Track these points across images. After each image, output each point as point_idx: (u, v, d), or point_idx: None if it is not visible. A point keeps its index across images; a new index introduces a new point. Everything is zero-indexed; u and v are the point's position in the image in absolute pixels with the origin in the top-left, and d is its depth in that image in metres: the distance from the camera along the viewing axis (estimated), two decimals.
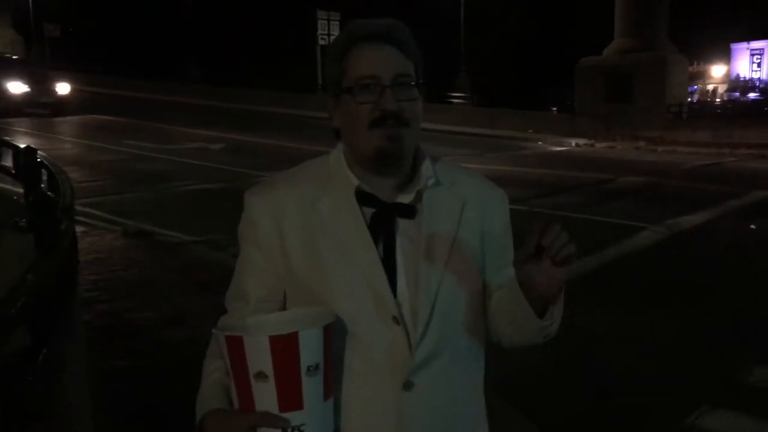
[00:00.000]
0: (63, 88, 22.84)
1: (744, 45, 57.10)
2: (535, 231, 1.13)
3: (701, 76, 56.34)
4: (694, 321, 5.34)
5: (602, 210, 9.68)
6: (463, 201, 1.34)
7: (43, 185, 4.70)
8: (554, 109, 28.07)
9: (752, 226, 8.89)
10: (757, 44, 56.07)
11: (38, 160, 4.69)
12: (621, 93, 21.66)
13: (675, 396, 4.10)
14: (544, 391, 4.16)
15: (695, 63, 49.66)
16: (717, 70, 59.63)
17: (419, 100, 1.29)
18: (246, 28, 39.20)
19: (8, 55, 23.09)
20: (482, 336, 1.36)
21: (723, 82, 57.25)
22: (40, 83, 22.04)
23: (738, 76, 56.58)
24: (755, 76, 55.62)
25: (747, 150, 17.45)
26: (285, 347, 1.10)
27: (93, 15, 42.77)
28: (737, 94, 45.46)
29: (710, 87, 56.05)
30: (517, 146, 19.09)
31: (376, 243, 1.26)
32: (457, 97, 27.04)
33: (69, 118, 21.15)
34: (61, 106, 21.91)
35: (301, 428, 1.12)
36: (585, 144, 19.80)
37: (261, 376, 1.10)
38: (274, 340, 1.09)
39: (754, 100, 36.07)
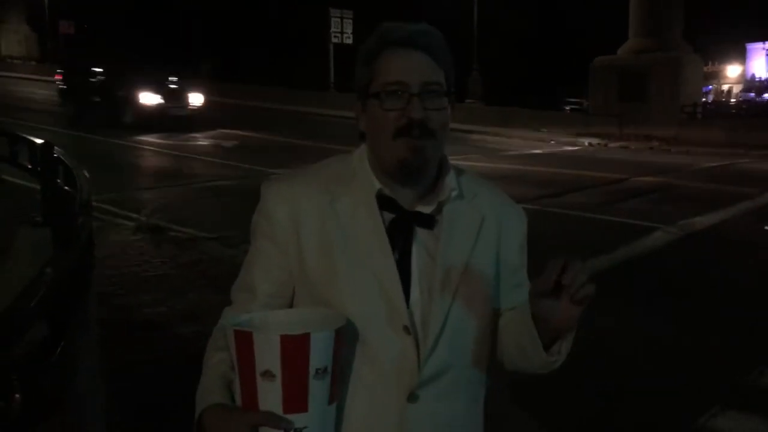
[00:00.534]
0: (196, 99, 19.57)
1: (759, 45, 56.65)
2: (555, 266, 1.10)
3: (716, 76, 55.95)
4: (706, 322, 5.32)
5: (614, 210, 9.65)
6: (483, 216, 1.31)
7: (59, 180, 4.74)
8: (567, 108, 27.97)
9: (766, 227, 8.84)
10: None
11: (55, 155, 4.73)
12: (635, 93, 21.57)
13: (685, 397, 4.10)
14: (552, 392, 4.17)
15: (710, 63, 49.32)
16: (732, 70, 59.21)
17: (448, 110, 1.26)
18: (258, 25, 39.26)
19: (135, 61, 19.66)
20: (488, 356, 1.34)
21: (738, 83, 56.83)
22: (175, 93, 18.99)
23: (753, 76, 56.14)
24: None
25: (761, 151, 17.35)
26: (295, 348, 1.07)
27: (106, 11, 42.97)
28: (752, 94, 45.11)
29: (725, 87, 55.65)
30: (530, 145, 19.05)
31: (392, 249, 1.23)
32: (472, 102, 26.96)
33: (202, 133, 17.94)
34: (194, 118, 18.85)
35: (304, 431, 1.09)
36: (598, 144, 19.73)
37: (268, 374, 1.07)
38: (285, 340, 1.06)
39: None
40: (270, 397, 1.08)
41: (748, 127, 20.21)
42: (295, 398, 1.08)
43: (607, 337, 4.99)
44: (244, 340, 1.08)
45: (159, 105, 17.99)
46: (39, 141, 6.68)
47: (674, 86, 21.35)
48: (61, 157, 5.29)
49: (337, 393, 1.16)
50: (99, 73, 19.49)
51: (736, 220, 9.19)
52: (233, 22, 39.33)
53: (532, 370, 1.29)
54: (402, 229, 1.25)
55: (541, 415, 3.77)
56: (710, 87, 48.47)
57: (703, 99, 28.40)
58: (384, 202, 1.26)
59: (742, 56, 58.40)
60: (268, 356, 1.06)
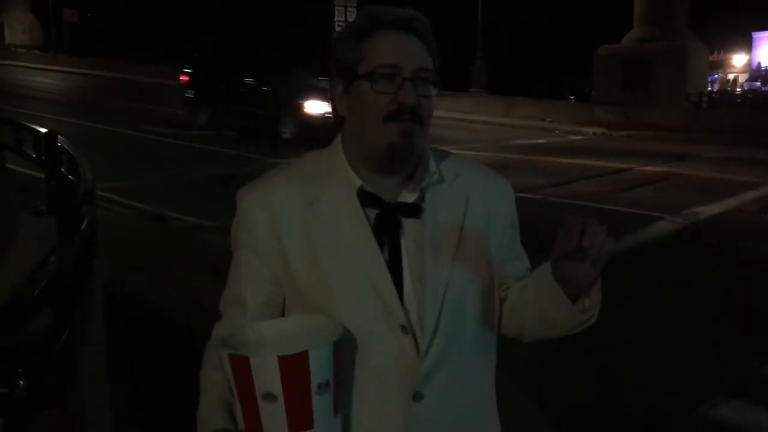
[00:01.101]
0: None
1: (766, 34, 56.27)
2: (575, 229, 1.08)
3: (722, 65, 55.69)
4: (708, 313, 5.32)
5: (618, 199, 9.63)
6: (467, 195, 1.27)
7: (63, 169, 4.76)
8: (572, 97, 27.90)
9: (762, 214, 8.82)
10: None
11: (59, 144, 4.75)
12: (640, 82, 21.49)
13: (688, 388, 4.10)
14: (553, 383, 4.18)
15: (716, 52, 49.06)
16: (738, 59, 58.90)
17: (433, 99, 1.22)
18: (261, 13, 39.16)
19: (298, 66, 15.33)
20: (493, 332, 1.30)
21: (744, 72, 56.55)
22: None
23: (759, 65, 55.82)
24: None
25: (767, 140, 17.27)
26: (295, 367, 1.03)
27: (110, 0, 42.91)
28: (758, 83, 44.89)
29: (731, 76, 55.39)
30: (534, 135, 19.00)
31: (380, 246, 1.20)
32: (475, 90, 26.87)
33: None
34: None
35: None
36: (602, 133, 19.67)
37: (269, 396, 1.04)
38: (284, 361, 1.02)
39: None
40: (274, 419, 1.05)
41: (754, 116, 20.12)
42: (300, 417, 1.05)
43: (610, 327, 4.98)
44: (241, 365, 1.04)
45: (324, 115, 13.80)
46: (43, 130, 6.70)
47: (679, 75, 21.26)
48: (65, 146, 5.31)
49: (341, 403, 1.13)
50: (241, 76, 15.68)
51: (741, 210, 9.17)
52: (235, 9, 39.22)
53: (561, 335, 1.27)
54: (388, 224, 1.21)
55: (543, 406, 3.78)
56: (716, 76, 48.23)
57: (709, 88, 28.26)
58: (365, 198, 1.22)
59: (748, 45, 58.04)
60: (268, 378, 1.03)
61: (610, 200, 9.54)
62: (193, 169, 11.08)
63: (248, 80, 15.56)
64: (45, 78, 29.09)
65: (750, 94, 31.79)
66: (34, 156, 7.31)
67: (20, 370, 1.55)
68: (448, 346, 1.21)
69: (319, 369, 1.05)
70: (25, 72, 31.28)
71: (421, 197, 1.24)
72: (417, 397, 1.20)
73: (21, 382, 1.48)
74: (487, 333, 1.28)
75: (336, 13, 27.18)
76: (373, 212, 1.21)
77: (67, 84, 27.70)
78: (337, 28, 26.79)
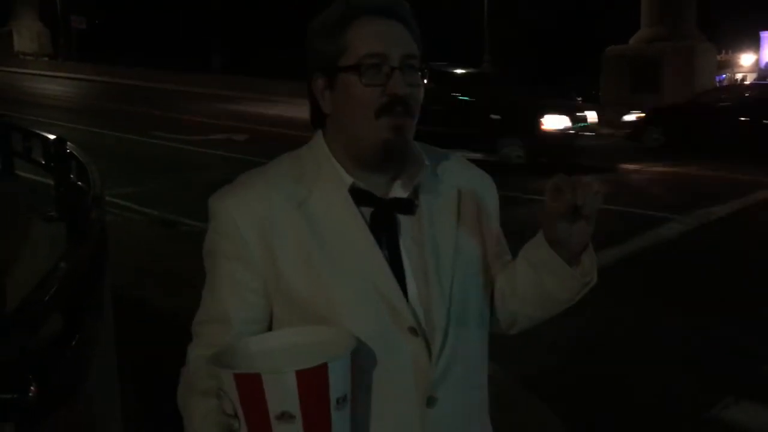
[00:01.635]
0: (591, 116, 13.57)
1: None
2: (565, 187, 1.04)
3: (730, 65, 55.40)
4: (718, 315, 5.29)
5: (628, 200, 9.60)
6: (458, 189, 1.22)
7: (72, 175, 4.79)
8: (579, 98, 27.81)
9: None
10: None
11: (68, 150, 4.78)
12: (648, 82, 21.40)
13: (699, 388, 4.08)
14: (563, 382, 4.16)
15: (724, 51, 48.82)
16: (746, 59, 58.59)
17: (422, 88, 1.15)
18: (266, 16, 39.27)
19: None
20: (487, 327, 1.26)
21: (752, 71, 56.24)
22: (575, 109, 13.01)
23: (767, 64, 55.53)
24: None
25: None
26: (314, 382, 0.94)
27: (117, 6, 43.14)
28: (767, 83, 44.64)
29: (739, 76, 55.11)
30: None
31: (379, 247, 1.12)
32: None
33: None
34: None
35: None
36: (610, 134, 19.59)
37: (285, 416, 0.94)
38: (302, 375, 0.93)
39: None
40: None
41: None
42: None
43: (619, 328, 4.97)
44: (250, 384, 0.94)
45: (566, 131, 11.78)
46: (52, 137, 6.74)
47: (687, 75, 21.15)
48: (74, 152, 5.33)
49: (353, 417, 1.05)
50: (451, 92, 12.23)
51: (753, 210, 9.12)
52: (242, 13, 39.36)
53: (561, 307, 1.20)
54: (384, 223, 1.14)
55: (552, 405, 3.77)
56: (724, 76, 48.02)
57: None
58: (358, 196, 1.14)
59: (756, 44, 57.75)
60: (284, 396, 0.94)
61: (618, 201, 9.50)
62: (202, 175, 11.11)
63: (461, 97, 12.31)
64: (53, 85, 29.27)
65: None
66: (43, 162, 7.36)
67: (31, 375, 1.56)
68: (457, 346, 1.16)
69: (338, 382, 0.97)
70: (33, 79, 31.49)
71: (414, 192, 1.17)
72: (431, 401, 1.13)
73: (32, 387, 1.49)
74: (485, 328, 1.25)
75: None
76: (366, 211, 1.14)
77: (75, 91, 27.86)
78: None
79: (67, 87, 29.01)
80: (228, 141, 15.38)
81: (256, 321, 1.13)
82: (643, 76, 21.52)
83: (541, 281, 1.16)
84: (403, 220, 1.16)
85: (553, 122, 11.60)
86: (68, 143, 5.19)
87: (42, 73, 34.51)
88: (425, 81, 1.16)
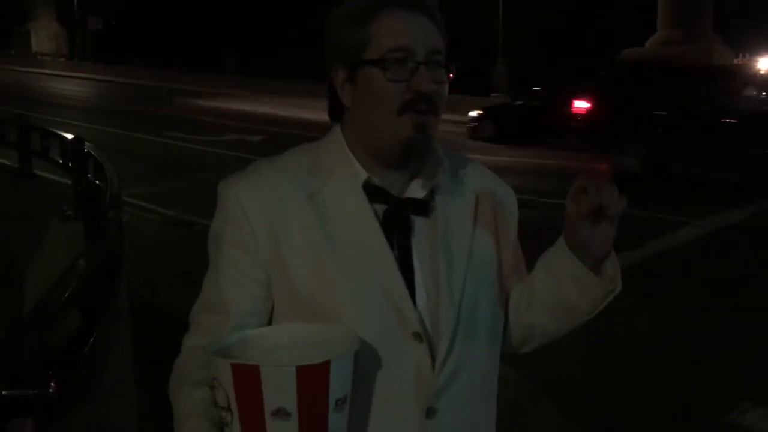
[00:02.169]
0: None
1: None
2: (590, 187, 1.01)
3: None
4: (734, 320, 5.25)
5: (643, 203, 9.53)
6: (476, 194, 1.18)
7: (89, 175, 4.83)
8: None
9: None
10: None
11: (85, 150, 4.82)
12: None
13: (715, 394, 4.05)
14: (577, 388, 4.15)
15: (741, 55, 48.32)
16: (764, 63, 58.07)
17: (447, 85, 1.11)
18: (279, 17, 39.40)
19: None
20: (499, 340, 1.20)
21: None
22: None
23: None
24: None
25: None
26: (314, 379, 0.90)
27: (133, 7, 43.46)
28: None
29: None
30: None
31: (390, 246, 1.08)
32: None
33: None
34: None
35: None
36: None
37: (281, 413, 0.90)
38: (303, 372, 0.89)
39: None
40: None
41: None
42: None
43: (634, 335, 4.94)
44: (248, 376, 0.90)
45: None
46: (70, 136, 6.81)
47: None
48: (92, 152, 5.39)
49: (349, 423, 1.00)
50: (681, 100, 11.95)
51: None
52: (257, 14, 39.51)
53: (582, 319, 1.14)
54: (397, 221, 1.10)
55: (565, 409, 3.76)
56: None
57: None
58: (372, 192, 1.10)
59: None
60: (282, 392, 0.90)
61: (632, 204, 9.43)
62: (218, 175, 11.09)
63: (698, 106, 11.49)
64: (70, 85, 29.51)
65: None
66: (61, 162, 7.43)
67: (51, 372, 1.58)
68: (463, 357, 1.10)
69: (339, 382, 0.93)
70: (51, 79, 31.78)
71: (430, 194, 1.13)
72: (430, 413, 1.08)
73: (52, 383, 1.50)
74: (496, 341, 1.19)
75: None
76: (380, 208, 1.10)
77: (92, 91, 28.08)
78: None
79: (84, 87, 29.23)
80: (242, 142, 15.44)
81: (257, 313, 1.09)
82: None
83: (562, 289, 1.11)
84: (417, 221, 1.12)
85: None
86: (86, 143, 5.24)
87: (59, 73, 34.81)
88: (450, 76, 1.11)
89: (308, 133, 17.17)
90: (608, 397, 4.02)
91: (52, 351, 1.75)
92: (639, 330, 5.00)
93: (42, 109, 18.42)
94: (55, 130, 8.40)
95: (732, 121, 11.37)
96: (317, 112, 23.01)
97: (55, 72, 35.17)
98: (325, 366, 0.91)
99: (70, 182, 6.99)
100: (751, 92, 12.31)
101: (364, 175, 1.09)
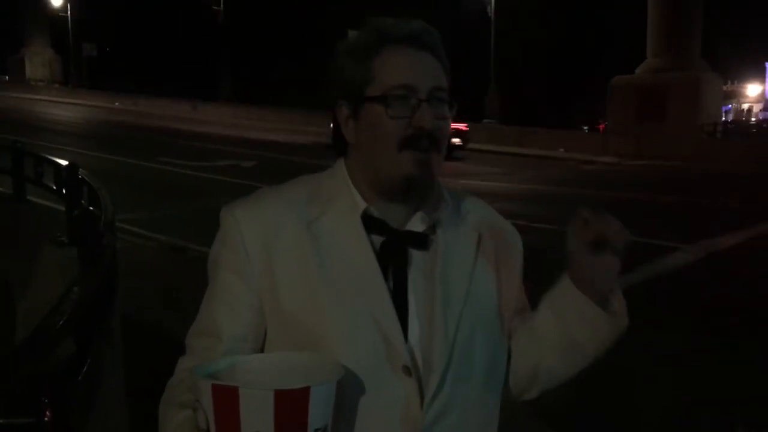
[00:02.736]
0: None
1: None
2: (592, 219, 1.00)
3: (736, 95, 55.60)
4: (728, 343, 5.27)
5: (633, 229, 9.51)
6: (479, 233, 1.16)
7: (83, 201, 4.84)
8: (585, 128, 27.95)
9: None
10: None
11: (79, 176, 4.84)
12: (654, 112, 21.52)
13: (706, 417, 4.06)
14: (570, 412, 4.14)
15: (729, 82, 49.02)
16: (752, 89, 58.80)
17: (449, 120, 1.11)
18: (277, 45, 39.72)
19: None
20: (499, 384, 1.17)
21: (758, 101, 56.41)
22: None
23: None
24: None
25: None
26: (292, 405, 0.88)
27: (128, 35, 43.74)
28: None
29: (745, 106, 55.27)
30: (547, 165, 19.02)
31: (384, 277, 1.07)
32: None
33: None
34: None
35: None
36: (616, 163, 19.65)
37: None
38: (281, 396, 0.88)
39: None
40: None
41: None
42: None
43: (626, 358, 4.95)
44: (227, 397, 0.89)
45: None
46: (64, 162, 6.82)
47: (693, 105, 21.27)
48: (86, 178, 5.40)
49: None
50: None
51: (759, 240, 9.10)
52: (252, 43, 39.81)
53: (590, 359, 1.13)
54: (394, 254, 1.09)
55: (560, 426, 3.75)
56: (730, 106, 48.17)
57: (723, 118, 28.25)
58: (370, 223, 1.09)
59: (762, 75, 58.00)
60: (259, 416, 0.88)
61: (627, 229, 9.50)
62: (211, 200, 11.17)
63: None
64: (64, 111, 29.58)
65: (765, 124, 31.74)
66: (55, 188, 7.42)
67: (45, 400, 1.58)
68: (455, 396, 1.08)
69: (319, 411, 0.91)
70: (45, 105, 31.85)
71: (432, 228, 1.13)
72: None
73: (47, 412, 1.50)
74: (495, 384, 1.16)
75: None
76: (377, 239, 1.09)
77: (85, 117, 28.15)
78: None
79: (77, 113, 29.31)
80: (235, 167, 15.48)
81: (249, 338, 1.08)
82: (649, 106, 21.65)
83: (567, 327, 1.09)
84: (416, 254, 1.10)
85: None
86: (80, 169, 5.25)
87: (53, 99, 34.92)
88: (453, 112, 1.12)
89: (301, 158, 17.29)
90: (600, 416, 4.02)
91: (47, 379, 1.75)
92: (629, 354, 5.00)
93: (35, 134, 18.44)
94: (49, 156, 8.40)
95: None
96: (310, 137, 23.11)
97: (49, 98, 35.28)
98: (304, 392, 0.89)
99: (64, 208, 7.00)
100: None
101: (363, 205, 1.10)
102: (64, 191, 6.70)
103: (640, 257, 7.70)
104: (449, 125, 1.12)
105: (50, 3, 43.49)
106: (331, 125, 1.16)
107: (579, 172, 18.02)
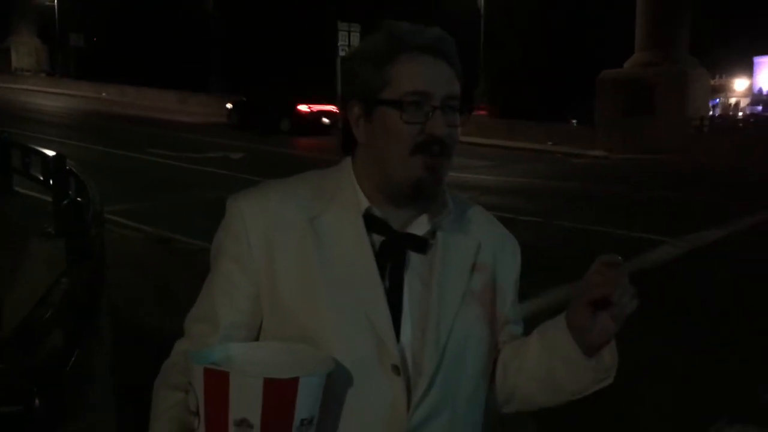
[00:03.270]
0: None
1: (766, 59, 56.57)
2: (609, 278, 1.02)
3: (723, 89, 55.88)
4: (713, 337, 5.33)
5: (621, 223, 9.66)
6: (479, 242, 1.18)
7: (71, 192, 4.82)
8: (574, 121, 28.04)
9: None
10: None
11: (67, 167, 4.82)
12: (641, 106, 21.59)
13: (692, 412, 4.11)
14: (555, 411, 4.18)
15: (717, 76, 49.29)
16: (739, 84, 59.11)
17: (459, 128, 1.13)
18: (266, 39, 39.55)
19: None
20: (485, 392, 1.19)
21: (746, 96, 56.74)
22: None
23: (760, 90, 56.05)
24: None
25: None
26: (280, 394, 0.91)
27: (116, 25, 43.42)
28: (760, 107, 45.10)
29: (732, 100, 55.58)
30: (536, 158, 19.08)
31: (381, 277, 1.09)
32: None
33: None
34: None
35: None
36: (604, 157, 19.74)
37: (244, 424, 0.90)
38: (270, 385, 0.90)
39: None
40: None
41: (756, 140, 20.21)
42: None
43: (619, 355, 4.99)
44: (218, 382, 0.91)
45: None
46: (51, 153, 6.79)
47: (681, 99, 21.37)
48: (73, 169, 5.38)
49: None
50: None
51: (746, 234, 9.18)
52: (242, 36, 39.62)
53: (563, 399, 1.17)
54: (393, 254, 1.11)
55: (546, 423, 3.79)
56: (717, 100, 48.43)
57: (711, 112, 28.42)
58: (372, 223, 1.11)
59: (749, 70, 58.30)
60: (247, 403, 0.90)
61: (611, 223, 9.57)
62: (199, 192, 11.14)
63: None
64: (51, 101, 29.34)
65: (752, 119, 31.94)
66: (42, 179, 7.38)
67: (34, 389, 1.59)
68: (442, 400, 1.09)
69: (306, 402, 0.93)
70: (31, 95, 31.56)
71: (432, 233, 1.15)
72: None
73: (36, 401, 1.52)
74: (481, 391, 1.18)
75: (339, 38, 27.45)
76: (377, 239, 1.11)
77: (72, 107, 27.93)
78: (341, 53, 27.07)
79: (64, 103, 29.07)
80: (224, 159, 15.43)
81: (245, 326, 1.11)
82: (637, 99, 21.72)
83: (551, 366, 1.12)
84: (414, 257, 1.12)
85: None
86: (67, 159, 5.23)
87: (39, 89, 34.60)
88: (464, 120, 1.15)
89: (288, 150, 17.21)
90: (586, 412, 4.06)
91: (36, 369, 1.76)
92: (620, 350, 5.04)
93: (21, 124, 18.27)
94: (36, 147, 8.36)
95: None
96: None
97: (35, 88, 34.95)
98: (292, 382, 0.91)
99: (51, 199, 6.97)
100: None
101: (366, 204, 1.12)
102: (51, 182, 6.67)
103: (625, 250, 7.76)
104: (459, 132, 1.14)
105: None
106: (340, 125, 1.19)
107: (567, 166, 18.09)
